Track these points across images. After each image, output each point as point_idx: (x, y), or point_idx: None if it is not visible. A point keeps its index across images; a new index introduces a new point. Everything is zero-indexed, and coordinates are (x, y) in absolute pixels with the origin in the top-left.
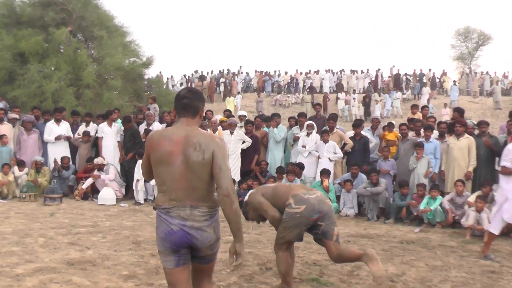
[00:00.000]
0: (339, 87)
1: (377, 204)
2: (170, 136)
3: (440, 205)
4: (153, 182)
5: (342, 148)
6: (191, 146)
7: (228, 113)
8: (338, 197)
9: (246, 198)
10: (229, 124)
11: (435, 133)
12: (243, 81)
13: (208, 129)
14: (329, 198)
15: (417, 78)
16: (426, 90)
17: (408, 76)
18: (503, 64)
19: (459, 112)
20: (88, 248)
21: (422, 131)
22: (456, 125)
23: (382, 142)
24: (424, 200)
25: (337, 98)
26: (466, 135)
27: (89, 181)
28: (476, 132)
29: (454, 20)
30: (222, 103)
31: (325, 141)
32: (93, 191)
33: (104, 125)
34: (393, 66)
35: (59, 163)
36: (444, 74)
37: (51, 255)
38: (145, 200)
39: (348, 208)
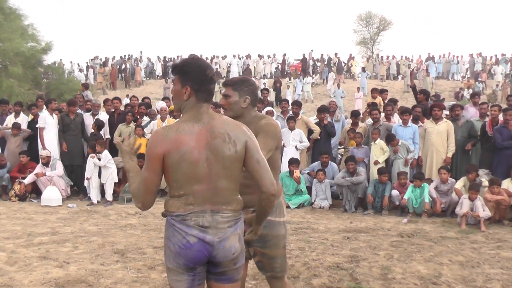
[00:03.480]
0: (247, 72)
1: (356, 195)
2: (190, 129)
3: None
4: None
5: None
6: (218, 137)
7: (148, 101)
8: (308, 188)
9: None
10: None
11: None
12: (146, 68)
13: (157, 118)
14: (301, 190)
15: (325, 63)
16: (331, 75)
17: (315, 61)
18: (402, 48)
19: (425, 94)
20: (68, 263)
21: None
22: (435, 108)
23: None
24: (408, 189)
25: None
26: (445, 119)
27: (31, 177)
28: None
29: (356, 5)
30: (125, 89)
31: (291, 129)
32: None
33: (46, 114)
34: (312, 50)
35: None
36: (351, 58)
37: (27, 275)
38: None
39: (321, 199)
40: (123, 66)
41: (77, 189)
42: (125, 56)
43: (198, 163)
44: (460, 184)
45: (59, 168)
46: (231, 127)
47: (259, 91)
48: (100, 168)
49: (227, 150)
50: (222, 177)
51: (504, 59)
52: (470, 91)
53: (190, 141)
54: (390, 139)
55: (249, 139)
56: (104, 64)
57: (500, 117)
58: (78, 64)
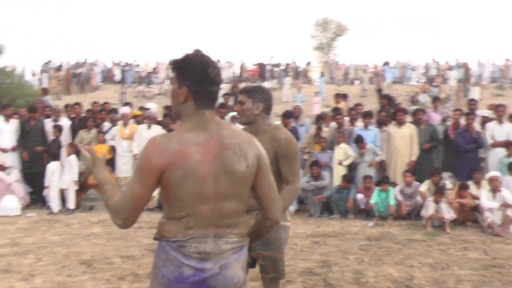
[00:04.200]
0: None
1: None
2: (195, 139)
3: None
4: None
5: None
6: (229, 149)
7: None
8: None
9: None
10: (147, 117)
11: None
12: (102, 72)
13: (118, 123)
14: None
15: (282, 68)
16: (287, 80)
17: (273, 66)
18: (358, 54)
19: (387, 99)
20: (32, 276)
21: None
22: (398, 113)
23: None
24: (374, 193)
25: None
26: (408, 123)
27: None
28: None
29: (313, 11)
30: (81, 94)
31: None
32: None
33: (0, 120)
34: (272, 57)
35: None
36: (308, 63)
37: None
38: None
39: None
40: (78, 70)
41: (35, 198)
42: (80, 60)
43: (205, 179)
44: (424, 187)
45: (14, 175)
46: (242, 139)
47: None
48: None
49: (238, 164)
50: (230, 196)
51: (457, 65)
52: (426, 95)
53: (196, 153)
54: (359, 140)
55: (261, 154)
56: (59, 68)
57: (462, 121)
58: (32, 69)
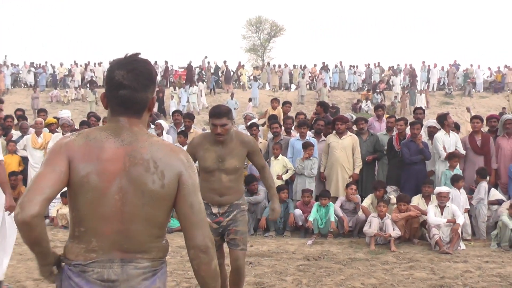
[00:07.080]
0: None
1: (254, 215)
2: (103, 140)
3: None
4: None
5: None
6: (140, 164)
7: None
8: None
9: None
10: (62, 125)
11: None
12: (11, 75)
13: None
14: None
15: (212, 72)
16: (201, 85)
17: (200, 69)
18: (295, 56)
19: (322, 106)
20: None
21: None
22: (337, 122)
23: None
24: (313, 209)
25: None
26: (349, 132)
27: None
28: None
29: (245, 9)
30: None
31: (182, 143)
32: None
33: None
34: (206, 57)
35: None
36: (240, 66)
37: None
38: None
39: None
40: None
41: None
42: None
43: (106, 193)
44: (367, 201)
45: None
46: (162, 153)
47: None
48: None
49: (150, 182)
50: (138, 218)
51: (398, 69)
52: (369, 102)
53: (100, 156)
54: (307, 146)
55: (185, 171)
56: None
57: (407, 131)
58: None
